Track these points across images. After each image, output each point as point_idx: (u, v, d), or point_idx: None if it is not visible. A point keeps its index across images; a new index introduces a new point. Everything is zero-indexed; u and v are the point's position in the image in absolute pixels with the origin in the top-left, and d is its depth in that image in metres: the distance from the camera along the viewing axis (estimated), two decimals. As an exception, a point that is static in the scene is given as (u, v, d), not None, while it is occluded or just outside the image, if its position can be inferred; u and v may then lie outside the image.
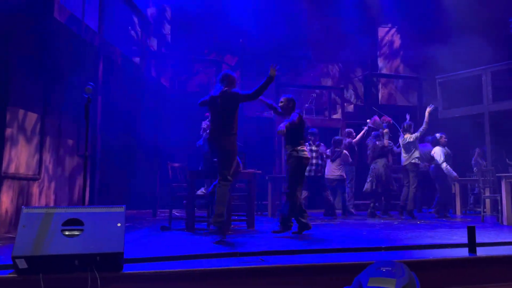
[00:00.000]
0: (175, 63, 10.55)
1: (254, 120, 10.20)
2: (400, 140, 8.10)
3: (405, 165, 7.87)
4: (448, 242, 4.10)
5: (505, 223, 6.35)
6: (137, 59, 8.23)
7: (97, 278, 2.68)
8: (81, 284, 2.66)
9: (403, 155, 7.92)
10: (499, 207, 6.61)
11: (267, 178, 8.01)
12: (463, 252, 3.57)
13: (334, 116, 11.40)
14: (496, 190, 7.09)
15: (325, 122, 10.71)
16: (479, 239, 3.78)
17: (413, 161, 7.75)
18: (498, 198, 6.63)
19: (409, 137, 7.87)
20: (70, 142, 6.35)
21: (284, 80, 11.66)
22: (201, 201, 5.94)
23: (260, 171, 5.78)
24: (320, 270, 3.01)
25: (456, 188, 8.97)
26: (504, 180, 6.40)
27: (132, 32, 9.28)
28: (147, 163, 8.13)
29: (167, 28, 10.59)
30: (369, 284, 1.39)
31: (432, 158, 8.09)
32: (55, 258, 2.69)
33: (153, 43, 10.03)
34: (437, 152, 7.95)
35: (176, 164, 6.07)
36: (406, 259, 3.32)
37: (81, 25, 5.53)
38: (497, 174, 6.78)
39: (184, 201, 5.54)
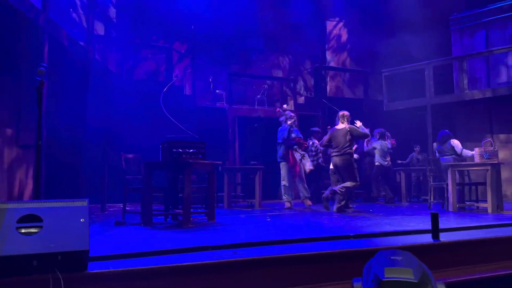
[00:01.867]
0: (122, 49, 10.01)
1: (207, 110, 9.97)
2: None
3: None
4: (408, 229, 4.23)
5: (450, 209, 6.74)
6: (82, 43, 7.67)
7: (60, 279, 2.42)
8: (42, 287, 2.39)
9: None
10: (445, 195, 7.00)
11: (220, 169, 7.86)
12: (427, 238, 3.69)
13: (287, 106, 11.45)
14: (440, 178, 7.49)
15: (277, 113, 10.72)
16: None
17: None
18: (444, 186, 7.02)
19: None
20: (9, 131, 5.77)
21: (235, 69, 11.52)
22: (158, 194, 5.67)
23: (220, 162, 5.63)
24: (296, 260, 2.95)
25: (402, 178, 9.41)
26: (450, 169, 6.78)
27: (75, 14, 8.65)
28: (96, 154, 7.64)
29: (113, 12, 9.98)
30: (386, 275, 1.31)
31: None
32: (10, 259, 2.38)
33: (99, 27, 9.41)
34: (377, 148, 8.74)
35: (130, 155, 5.74)
36: (375, 247, 3.37)
37: (24, 1, 5.00)
38: (443, 163, 7.17)
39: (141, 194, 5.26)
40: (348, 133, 6.74)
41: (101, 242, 3.70)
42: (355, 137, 6.96)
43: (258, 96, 11.52)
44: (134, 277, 2.66)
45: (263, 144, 10.85)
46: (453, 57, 10.62)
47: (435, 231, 3.69)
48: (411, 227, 4.36)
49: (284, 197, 7.67)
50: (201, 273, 2.80)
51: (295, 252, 3.02)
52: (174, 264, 2.79)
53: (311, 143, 8.77)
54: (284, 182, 7.63)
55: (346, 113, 7.04)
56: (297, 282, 2.83)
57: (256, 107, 10.85)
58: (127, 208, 7.13)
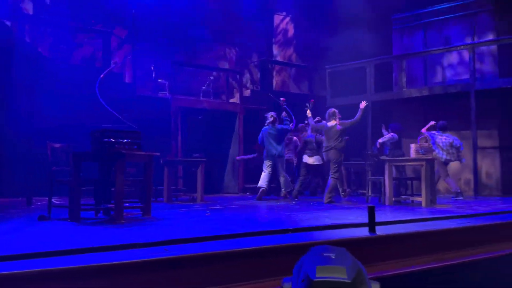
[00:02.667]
0: (55, 31, 9.28)
1: (148, 100, 9.53)
2: None
3: None
4: (346, 222, 4.23)
5: (387, 203, 6.93)
6: (8, 23, 6.98)
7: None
8: None
9: None
10: (382, 189, 7.19)
11: (162, 162, 7.53)
12: (364, 232, 3.69)
13: (232, 100, 11.28)
14: (378, 173, 7.71)
15: (223, 105, 10.52)
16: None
17: None
18: (382, 180, 7.21)
19: None
20: None
21: (180, 59, 11.14)
22: (88, 187, 5.27)
23: (158, 153, 5.34)
24: (233, 256, 2.79)
25: (342, 172, 9.57)
26: (387, 164, 6.96)
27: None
28: (20, 143, 7.00)
29: (46, -9, 9.23)
30: (318, 274, 1.17)
31: None
32: None
33: (28, 5, 8.65)
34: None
35: (58, 145, 5.27)
36: (313, 241, 3.30)
37: None
38: (381, 158, 7.36)
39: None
40: (339, 130, 7.35)
41: (16, 240, 3.32)
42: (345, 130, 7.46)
43: (204, 87, 11.23)
44: (47, 279, 2.36)
45: (208, 137, 10.61)
46: (393, 56, 10.99)
47: (372, 224, 3.70)
48: (349, 221, 4.37)
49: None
50: (127, 273, 2.56)
51: (229, 248, 2.86)
52: (96, 264, 2.52)
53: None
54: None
55: (335, 110, 7.69)
56: (230, 279, 2.68)
57: (201, 98, 10.56)
58: (56, 202, 6.62)
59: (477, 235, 4.11)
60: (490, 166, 9.71)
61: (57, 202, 6.59)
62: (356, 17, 12.36)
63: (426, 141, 7.13)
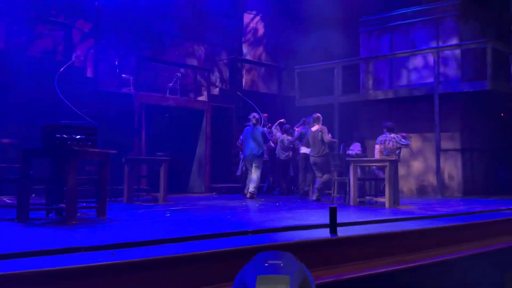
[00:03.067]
0: (12, 21, 8.78)
1: (111, 95, 9.18)
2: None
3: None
4: (309, 223, 4.14)
5: (351, 203, 6.92)
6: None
7: None
8: None
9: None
10: (347, 189, 7.18)
11: (123, 160, 7.24)
12: (325, 233, 3.60)
13: (200, 98, 11.06)
14: (345, 173, 7.70)
15: (190, 103, 10.28)
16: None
17: None
18: (347, 180, 7.20)
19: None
20: None
21: (147, 54, 10.81)
22: (41, 185, 4.96)
23: (115, 151, 5.08)
24: (184, 261, 2.63)
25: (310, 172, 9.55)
26: (352, 164, 6.96)
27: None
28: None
29: (1, -22, 8.71)
30: (258, 285, 1.03)
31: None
32: None
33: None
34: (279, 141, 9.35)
35: (6, 140, 4.94)
36: (273, 243, 3.18)
37: None
38: (346, 159, 7.35)
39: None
40: (320, 133, 7.73)
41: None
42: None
43: (170, 84, 10.95)
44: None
45: (174, 135, 10.35)
46: (360, 58, 11.07)
47: (333, 225, 3.61)
48: (311, 221, 4.28)
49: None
50: (67, 279, 2.35)
51: (183, 252, 2.69)
52: (34, 270, 2.30)
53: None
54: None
55: (320, 116, 8.07)
56: (179, 286, 2.51)
57: (167, 95, 10.28)
58: (8, 201, 6.23)
59: (439, 237, 4.11)
60: (452, 168, 9.92)
61: (9, 201, 6.22)
62: (325, 18, 12.41)
63: (390, 142, 7.18)
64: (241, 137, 8.71)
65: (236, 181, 10.71)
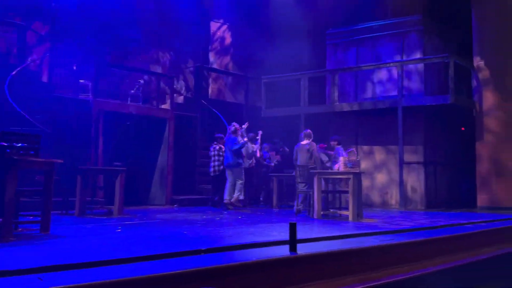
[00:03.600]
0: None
1: (68, 101, 8.70)
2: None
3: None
4: (269, 239, 3.91)
5: (315, 216, 6.76)
6: None
7: None
8: None
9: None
10: (311, 201, 7.02)
11: (76, 170, 6.80)
12: (285, 250, 3.38)
13: (163, 106, 10.71)
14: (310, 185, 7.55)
15: (153, 111, 9.91)
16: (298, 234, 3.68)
17: None
18: (311, 193, 7.04)
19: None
20: None
21: (109, 59, 10.38)
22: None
23: (61, 160, 4.69)
24: (125, 286, 2.33)
25: (274, 183, 9.38)
26: (316, 176, 6.82)
27: None
28: None
29: None
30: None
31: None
32: None
33: None
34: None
35: None
36: (229, 263, 2.93)
37: None
38: (311, 171, 7.21)
39: None
40: (309, 147, 7.87)
41: None
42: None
43: (132, 91, 10.56)
44: None
45: (135, 144, 9.93)
46: (327, 69, 11.08)
47: (293, 242, 3.40)
48: (272, 237, 4.06)
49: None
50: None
51: (122, 277, 2.40)
52: None
53: (218, 147, 9.09)
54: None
55: (311, 132, 8.14)
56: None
57: (129, 103, 9.87)
58: None
59: (401, 253, 3.98)
60: (415, 181, 10.00)
61: None
62: (293, 29, 12.40)
63: (354, 155, 7.10)
64: (217, 147, 9.00)
65: (200, 192, 10.39)
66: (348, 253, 3.55)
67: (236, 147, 8.27)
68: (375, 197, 10.48)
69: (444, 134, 10.57)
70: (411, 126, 9.65)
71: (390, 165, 10.35)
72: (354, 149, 7.37)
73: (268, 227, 5.18)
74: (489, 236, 5.37)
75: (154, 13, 12.56)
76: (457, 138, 10.98)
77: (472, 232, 5.06)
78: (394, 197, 10.25)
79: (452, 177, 10.79)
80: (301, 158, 7.75)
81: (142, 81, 11.08)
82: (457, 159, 10.96)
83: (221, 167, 8.77)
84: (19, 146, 4.03)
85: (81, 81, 9.52)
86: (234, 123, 8.70)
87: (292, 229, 3.40)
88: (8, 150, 3.96)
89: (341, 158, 6.89)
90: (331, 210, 7.21)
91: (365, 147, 10.74)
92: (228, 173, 8.37)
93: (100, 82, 9.57)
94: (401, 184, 9.57)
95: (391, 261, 3.88)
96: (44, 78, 9.50)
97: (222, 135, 9.16)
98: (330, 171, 7.21)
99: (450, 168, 10.75)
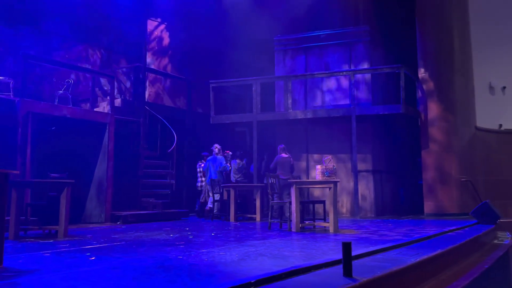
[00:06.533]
0: None
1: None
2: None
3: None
4: (301, 264, 3.31)
5: (293, 229, 6.27)
6: None
7: None
8: None
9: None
10: (287, 213, 6.52)
11: (10, 183, 5.44)
12: (337, 277, 2.82)
13: (98, 109, 9.43)
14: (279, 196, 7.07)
15: (90, 114, 8.62)
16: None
17: None
18: (288, 204, 6.54)
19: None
20: None
21: (34, 53, 8.86)
22: None
23: (17, 171, 3.58)
24: None
25: (231, 195, 8.73)
26: (294, 186, 6.35)
27: None
28: None
29: None
30: None
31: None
32: None
33: None
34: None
35: None
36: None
37: None
38: (289, 180, 6.73)
39: None
40: (290, 160, 8.77)
41: None
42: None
43: (60, 91, 9.14)
44: None
45: (66, 152, 8.52)
46: (281, 76, 10.75)
47: (347, 266, 2.86)
48: (286, 256, 3.46)
49: None
50: None
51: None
52: None
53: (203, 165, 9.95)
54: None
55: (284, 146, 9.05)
56: None
57: (56, 104, 8.46)
58: None
59: (434, 265, 3.67)
60: (364, 189, 10.08)
61: None
62: (239, 34, 11.93)
63: (330, 162, 6.79)
64: (204, 165, 9.78)
65: (144, 207, 9.30)
66: (403, 272, 3.11)
67: (225, 169, 9.37)
68: (326, 206, 10.34)
69: (391, 142, 10.88)
70: (360, 135, 9.72)
71: (340, 173, 10.30)
72: (330, 157, 7.03)
73: (270, 246, 4.55)
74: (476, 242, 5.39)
75: (82, 5, 11.17)
76: (403, 147, 11.41)
77: (470, 238, 4.99)
78: (345, 206, 10.21)
79: (398, 184, 11.14)
80: (284, 170, 8.30)
81: (70, 81, 9.69)
82: (402, 167, 11.37)
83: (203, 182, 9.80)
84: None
85: (1, 78, 7.94)
86: (216, 145, 9.55)
87: (347, 249, 2.86)
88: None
89: (318, 167, 6.52)
90: (306, 222, 6.78)
91: (316, 156, 10.59)
92: (211, 188, 9.09)
93: (24, 79, 8.06)
94: (356, 192, 9.55)
95: (429, 274, 3.55)
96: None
97: (208, 154, 9.98)
98: (309, 180, 6.79)
99: (396, 176, 11.09)
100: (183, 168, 11.22)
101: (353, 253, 3.57)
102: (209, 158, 9.56)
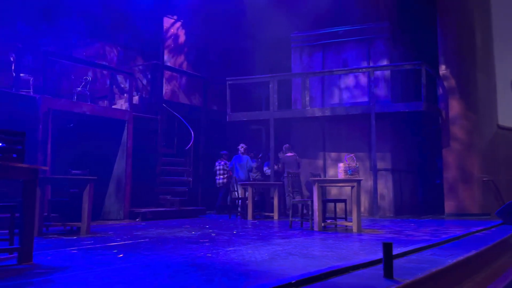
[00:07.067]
0: None
1: (8, 97, 7.16)
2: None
3: None
4: (347, 263, 3.23)
5: (316, 228, 6.18)
6: None
7: None
8: None
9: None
10: (309, 212, 6.43)
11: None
12: (376, 277, 2.73)
13: (116, 106, 9.43)
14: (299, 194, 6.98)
15: (109, 112, 8.61)
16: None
17: None
18: (309, 202, 6.45)
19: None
20: None
21: (53, 50, 8.87)
22: None
23: (47, 167, 3.55)
24: None
25: (250, 193, 8.67)
26: (316, 184, 6.26)
27: None
28: None
29: None
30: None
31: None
32: None
33: None
34: None
35: None
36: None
37: None
38: (311, 178, 6.64)
39: None
40: (296, 159, 9.24)
41: None
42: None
43: (78, 88, 9.16)
44: None
45: (85, 149, 8.52)
46: (299, 72, 10.64)
47: (388, 267, 2.77)
48: (315, 255, 3.38)
49: None
50: None
51: None
52: None
53: (223, 163, 10.23)
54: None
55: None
56: None
57: (76, 101, 8.47)
58: None
59: (473, 265, 3.56)
60: (383, 188, 9.93)
61: None
62: (255, 30, 11.85)
63: (353, 161, 6.67)
64: (230, 164, 10.06)
65: (162, 204, 9.28)
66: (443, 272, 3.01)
67: (252, 166, 9.87)
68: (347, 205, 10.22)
69: (410, 141, 10.71)
70: (379, 133, 9.56)
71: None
72: (353, 155, 6.92)
73: (296, 245, 4.47)
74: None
75: (99, 3, 11.18)
76: (422, 145, 11.23)
77: (501, 239, 4.86)
78: (363, 205, 10.06)
79: (417, 183, 10.97)
80: (291, 168, 8.53)
81: (89, 78, 9.71)
82: (421, 166, 11.19)
83: (225, 180, 10.00)
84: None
85: (21, 75, 7.97)
86: (242, 144, 9.90)
87: (388, 250, 2.77)
88: (-16, 153, 2.80)
89: (340, 165, 6.42)
90: (328, 221, 6.68)
91: (333, 154, 10.48)
92: (237, 186, 9.37)
93: (44, 76, 8.08)
94: (375, 191, 9.41)
95: (464, 276, 3.44)
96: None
97: (227, 152, 10.32)
98: (332, 178, 6.69)
99: (415, 175, 10.92)
100: (198, 166, 11.18)
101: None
102: (234, 157, 9.88)
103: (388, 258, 2.77)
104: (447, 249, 4.20)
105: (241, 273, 2.92)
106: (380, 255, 3.55)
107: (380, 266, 3.07)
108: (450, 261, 3.42)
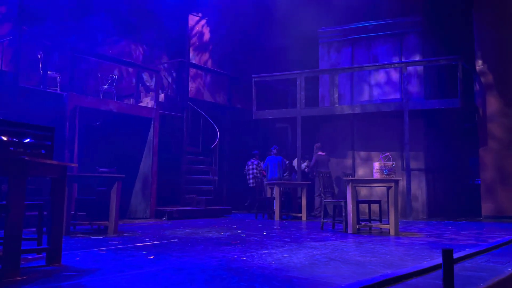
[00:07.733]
0: None
1: (35, 95, 7.14)
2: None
3: None
4: (400, 272, 2.96)
5: (350, 231, 5.89)
6: None
7: None
8: None
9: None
10: (344, 213, 6.14)
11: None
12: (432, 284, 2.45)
13: (142, 104, 9.34)
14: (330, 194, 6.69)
15: (136, 109, 8.51)
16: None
17: None
18: (342, 203, 6.16)
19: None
20: None
21: (82, 46, 8.86)
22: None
23: (76, 164, 3.41)
24: None
25: (276, 193, 8.43)
26: (350, 185, 5.96)
27: None
28: None
29: None
30: None
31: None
32: None
33: None
34: None
35: None
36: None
37: None
38: (345, 178, 6.35)
39: None
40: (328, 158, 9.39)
41: None
42: None
43: (105, 86, 9.12)
44: None
45: (112, 147, 8.48)
46: (327, 69, 10.32)
47: (448, 276, 2.48)
48: (357, 260, 3.11)
49: None
50: None
51: None
52: None
53: (256, 162, 10.26)
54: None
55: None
56: None
57: (102, 98, 8.41)
58: None
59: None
60: (416, 189, 9.52)
61: None
62: (281, 26, 11.59)
63: (390, 160, 6.34)
64: (264, 164, 10.09)
65: (188, 203, 9.14)
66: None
67: (287, 166, 10.02)
68: (375, 206, 9.85)
69: (444, 139, 10.25)
70: (411, 131, 9.17)
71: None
72: (389, 154, 6.58)
73: (330, 248, 4.21)
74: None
75: (124, 1, 11.14)
76: (457, 144, 10.74)
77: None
78: (394, 206, 9.67)
79: (451, 184, 10.49)
80: (324, 168, 8.57)
81: (114, 76, 9.66)
82: (456, 166, 10.71)
83: (258, 179, 9.82)
84: (27, 142, 2.73)
85: (49, 72, 7.95)
86: (275, 146, 9.98)
87: (448, 258, 2.48)
88: (13, 148, 2.65)
89: (376, 164, 6.10)
90: (362, 224, 6.37)
91: (362, 153, 10.13)
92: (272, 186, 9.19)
93: (70, 74, 8.04)
94: (409, 192, 9.01)
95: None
96: (3, 66, 7.81)
97: (258, 152, 10.38)
98: (368, 178, 6.38)
99: (449, 175, 10.45)
100: (223, 164, 11.02)
101: (438, 261, 3.20)
102: (268, 157, 9.94)
103: (448, 266, 2.48)
104: (500, 255, 3.86)
105: (283, 280, 2.68)
106: (428, 261, 3.26)
107: (435, 274, 2.79)
108: (510, 270, 3.10)
